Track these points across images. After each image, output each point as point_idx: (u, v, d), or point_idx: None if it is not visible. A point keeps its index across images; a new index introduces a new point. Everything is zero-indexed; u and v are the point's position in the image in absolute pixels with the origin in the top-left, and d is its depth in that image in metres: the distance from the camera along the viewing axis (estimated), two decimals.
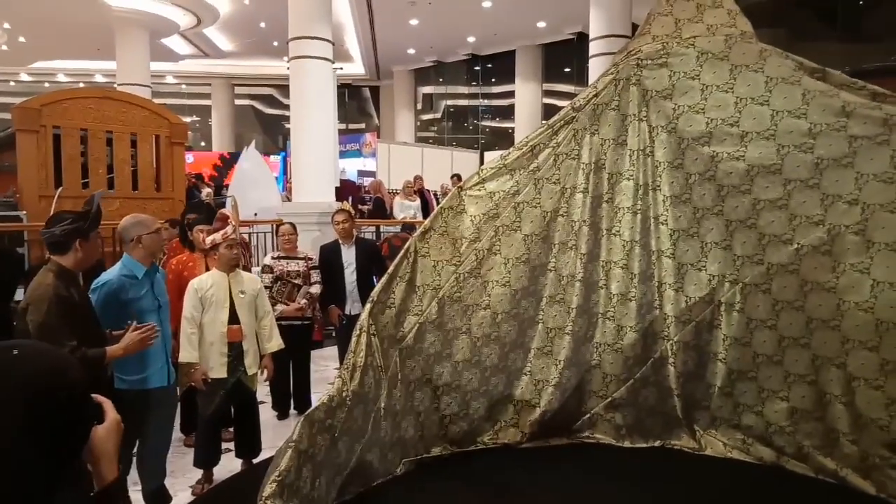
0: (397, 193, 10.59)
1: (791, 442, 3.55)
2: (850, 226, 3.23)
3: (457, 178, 10.83)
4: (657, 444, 3.89)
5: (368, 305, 3.33)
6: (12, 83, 21.64)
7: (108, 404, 1.04)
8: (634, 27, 10.07)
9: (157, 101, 21.46)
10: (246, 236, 3.91)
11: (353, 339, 3.22)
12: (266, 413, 5.13)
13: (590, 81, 10.42)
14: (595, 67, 9.79)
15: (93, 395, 1.04)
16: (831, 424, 3.38)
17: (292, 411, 5.19)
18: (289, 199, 10.31)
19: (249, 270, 4.07)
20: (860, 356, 3.23)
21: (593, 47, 10.01)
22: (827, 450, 3.43)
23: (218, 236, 3.71)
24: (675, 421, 3.91)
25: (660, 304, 3.83)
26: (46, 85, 21.41)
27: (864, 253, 3.20)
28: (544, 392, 3.88)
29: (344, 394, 3.03)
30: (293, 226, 5.22)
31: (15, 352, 0.92)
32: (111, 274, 2.93)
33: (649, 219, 3.81)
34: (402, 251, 3.52)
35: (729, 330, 3.71)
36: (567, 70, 17.27)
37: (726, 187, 3.60)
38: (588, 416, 3.99)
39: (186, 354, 3.56)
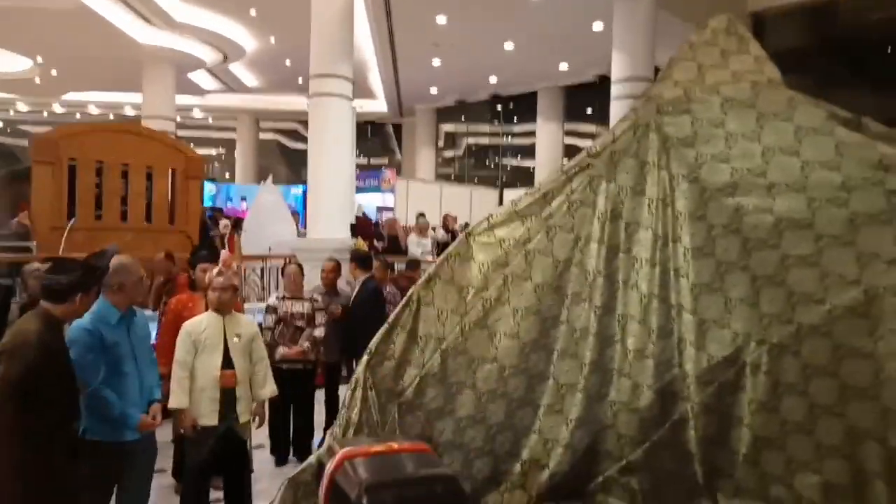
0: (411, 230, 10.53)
1: None
2: (889, 287, 2.98)
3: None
4: None
5: (365, 357, 3.15)
6: (45, 114, 22.22)
7: None
8: (657, 70, 9.97)
9: (184, 133, 21.94)
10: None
11: (348, 394, 3.03)
12: (265, 458, 4.93)
13: (611, 124, 10.28)
14: (616, 110, 9.68)
15: None
16: None
17: (292, 457, 4.99)
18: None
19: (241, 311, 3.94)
20: None
21: (615, 90, 9.92)
22: None
23: (210, 275, 3.60)
24: (696, 488, 3.62)
25: (679, 362, 3.58)
26: (78, 116, 21.95)
27: None
28: (554, 452, 3.63)
29: None
30: (300, 266, 5.10)
31: None
32: (84, 321, 2.80)
33: (669, 271, 3.59)
34: (404, 300, 3.34)
35: (755, 393, 3.43)
36: (589, 111, 17.23)
37: (752, 241, 3.37)
38: (601, 479, 3.72)
39: (176, 400, 3.39)
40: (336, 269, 5.50)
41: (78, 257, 2.94)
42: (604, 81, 14.34)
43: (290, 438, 4.99)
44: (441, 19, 12.20)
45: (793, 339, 3.29)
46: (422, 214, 10.42)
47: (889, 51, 12.07)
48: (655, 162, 3.62)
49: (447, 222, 11.25)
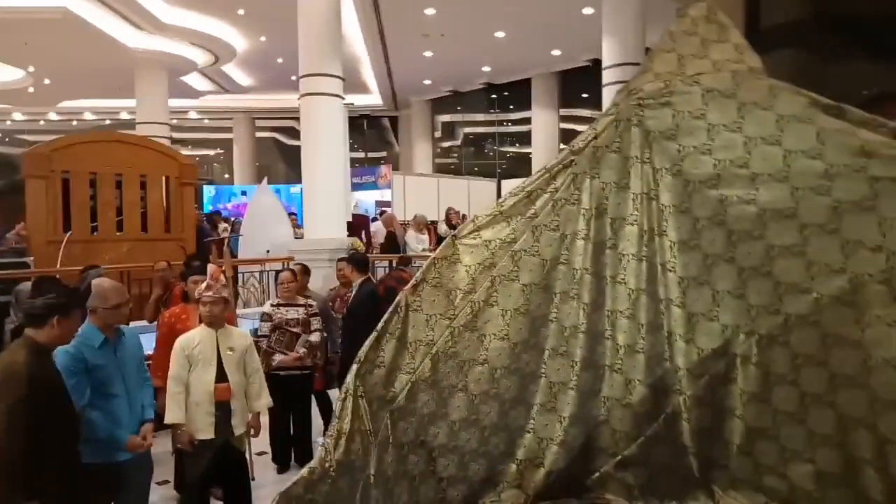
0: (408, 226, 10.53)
1: None
2: (874, 274, 2.96)
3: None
4: None
5: (355, 366, 3.16)
6: (42, 122, 22.25)
7: None
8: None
9: (180, 135, 21.89)
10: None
11: (338, 404, 3.04)
12: (268, 465, 4.97)
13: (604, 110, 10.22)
14: (608, 96, 9.62)
15: None
16: (864, 492, 3.08)
17: (294, 464, 5.02)
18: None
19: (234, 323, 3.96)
20: (893, 417, 2.94)
21: (606, 76, 9.86)
22: None
23: (199, 289, 3.62)
24: (691, 480, 3.64)
25: (670, 356, 3.59)
26: (74, 123, 21.99)
27: (893, 304, 2.93)
28: (549, 451, 3.65)
29: (327, 464, 2.84)
30: (293, 272, 5.11)
31: None
32: (69, 345, 2.81)
33: (656, 266, 3.59)
34: (393, 306, 3.35)
35: (746, 385, 3.44)
36: (584, 96, 17.14)
37: (737, 232, 3.36)
38: (597, 475, 3.74)
39: (172, 415, 3.42)
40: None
41: (62, 279, 2.95)
42: (598, 65, 14.26)
43: (291, 445, 5.03)
44: (430, 10, 12.12)
45: (781, 330, 3.29)
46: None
47: (891, 22, 11.86)
48: (638, 156, 3.61)
49: (450, 217, 11.19)
